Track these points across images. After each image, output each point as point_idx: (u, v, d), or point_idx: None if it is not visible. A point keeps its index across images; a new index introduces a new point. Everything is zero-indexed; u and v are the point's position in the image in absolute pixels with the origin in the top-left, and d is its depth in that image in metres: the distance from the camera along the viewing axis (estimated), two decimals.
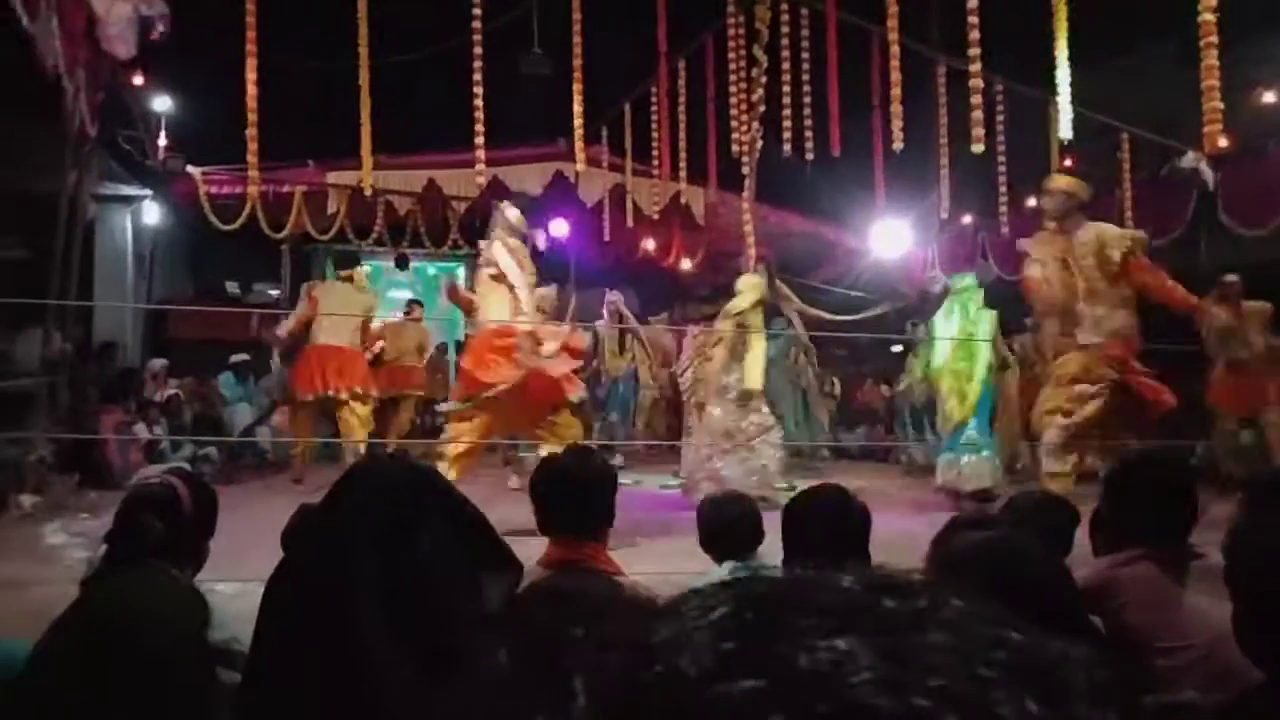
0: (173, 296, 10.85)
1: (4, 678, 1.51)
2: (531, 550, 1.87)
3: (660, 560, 3.67)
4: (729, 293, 6.98)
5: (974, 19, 5.31)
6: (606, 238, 10.13)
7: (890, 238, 8.68)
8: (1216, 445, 7.36)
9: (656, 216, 9.60)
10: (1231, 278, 7.35)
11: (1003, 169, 7.85)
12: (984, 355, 6.99)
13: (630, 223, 9.95)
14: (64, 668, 1.45)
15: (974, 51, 5.39)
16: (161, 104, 9.00)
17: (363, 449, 7.46)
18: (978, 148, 5.53)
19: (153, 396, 8.40)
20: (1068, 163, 8.46)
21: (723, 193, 9.24)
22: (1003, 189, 8.07)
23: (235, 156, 7.11)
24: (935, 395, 9.37)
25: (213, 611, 1.85)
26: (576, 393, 5.78)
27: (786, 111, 7.29)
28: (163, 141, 9.10)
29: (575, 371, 5.94)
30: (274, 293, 11.37)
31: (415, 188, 10.21)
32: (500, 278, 5.84)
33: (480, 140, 5.97)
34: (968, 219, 10.27)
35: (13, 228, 8.78)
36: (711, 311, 10.33)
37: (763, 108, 7.32)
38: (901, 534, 4.07)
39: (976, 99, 5.44)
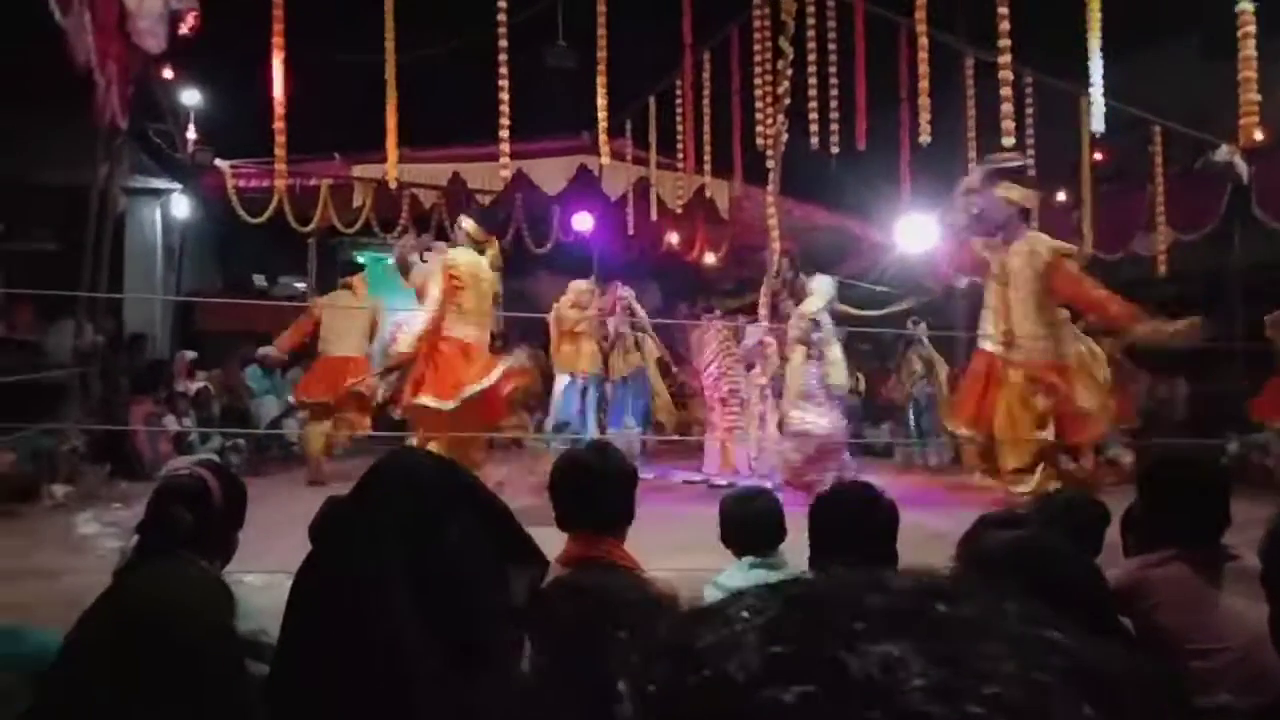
0: (201, 289, 10.96)
1: (37, 668, 1.53)
2: (544, 543, 1.87)
3: (681, 556, 3.66)
4: (754, 286, 6.98)
5: (1004, 9, 5.23)
6: (630, 231, 10.11)
7: (916, 232, 8.59)
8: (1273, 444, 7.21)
9: (680, 210, 9.57)
10: None
11: (1032, 163, 7.76)
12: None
13: (654, 216, 9.93)
14: (95, 659, 1.47)
15: (1004, 43, 5.31)
16: (190, 98, 9.09)
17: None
18: (1008, 141, 5.45)
19: (182, 388, 8.50)
20: (1098, 156, 8.35)
21: (747, 186, 9.19)
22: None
23: (263, 150, 7.16)
24: (937, 393, 9.38)
25: (239, 603, 1.86)
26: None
27: (812, 104, 7.23)
28: (192, 135, 9.20)
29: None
30: (300, 285, 11.46)
31: (440, 181, 10.24)
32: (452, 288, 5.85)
33: (504, 134, 5.98)
34: None
35: (45, 220, 8.90)
36: (735, 305, 10.30)
37: (788, 100, 7.27)
38: (931, 532, 4.04)
39: (1006, 91, 5.36)
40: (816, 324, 6.87)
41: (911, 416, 9.95)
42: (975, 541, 1.68)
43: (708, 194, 9.84)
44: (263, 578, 3.16)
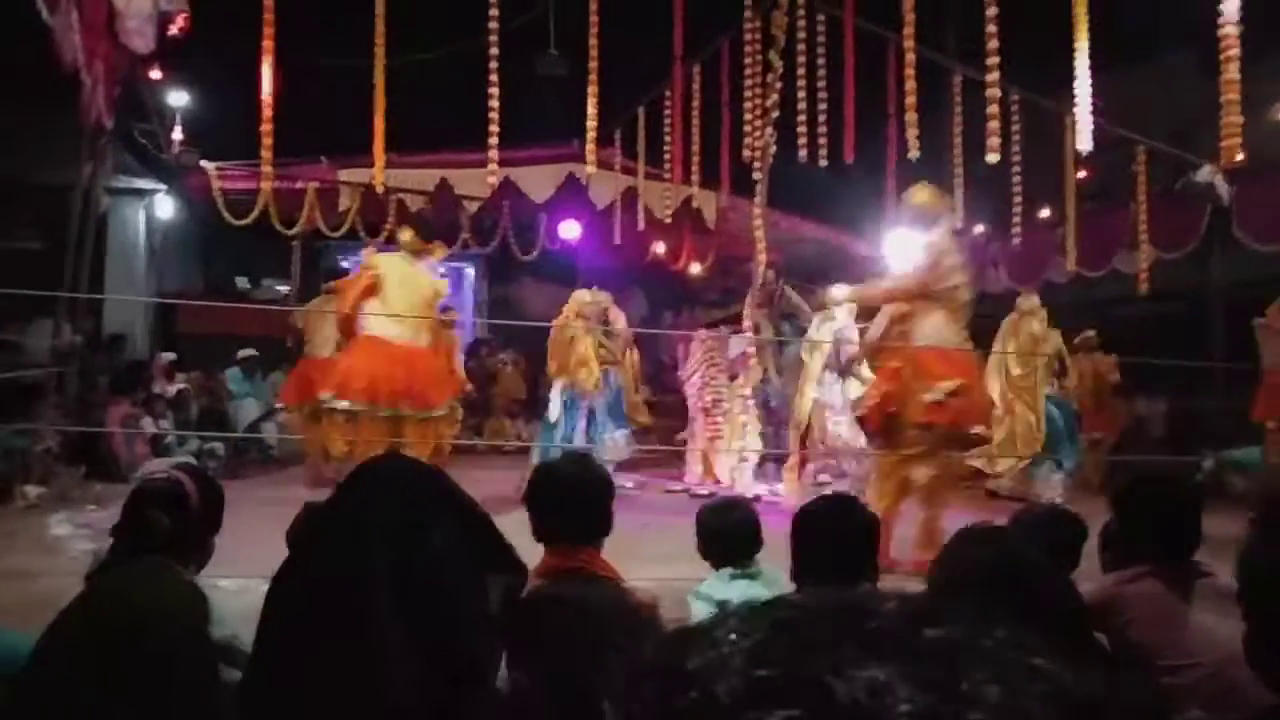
0: (182, 291, 10.89)
1: (6, 672, 1.51)
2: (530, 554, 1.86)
3: (661, 565, 3.66)
4: (739, 297, 6.99)
5: (993, 28, 5.28)
6: (617, 240, 10.13)
7: (902, 246, 8.64)
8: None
9: (668, 220, 9.59)
10: None
11: (1017, 179, 7.83)
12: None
13: (641, 226, 9.95)
14: (68, 663, 1.45)
15: (992, 61, 5.36)
16: (177, 99, 9.03)
17: None
18: (992, 157, 5.50)
19: (161, 390, 8.43)
20: (1082, 174, 8.43)
21: (734, 198, 9.22)
22: (1016, 200, 8.05)
23: (249, 152, 7.13)
24: None
25: (213, 608, 1.85)
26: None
27: (801, 118, 7.27)
28: (177, 136, 9.14)
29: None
30: (283, 289, 11.41)
31: (427, 186, 10.22)
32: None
33: (493, 140, 5.98)
34: (980, 229, 10.24)
35: (27, 218, 8.84)
36: (721, 316, 10.33)
37: (776, 113, 7.31)
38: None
39: (993, 109, 5.41)
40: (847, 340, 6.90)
41: None
42: (953, 555, 1.69)
43: (695, 204, 9.86)
44: (237, 583, 3.13)
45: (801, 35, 7.14)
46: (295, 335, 8.71)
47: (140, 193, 10.11)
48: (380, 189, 7.51)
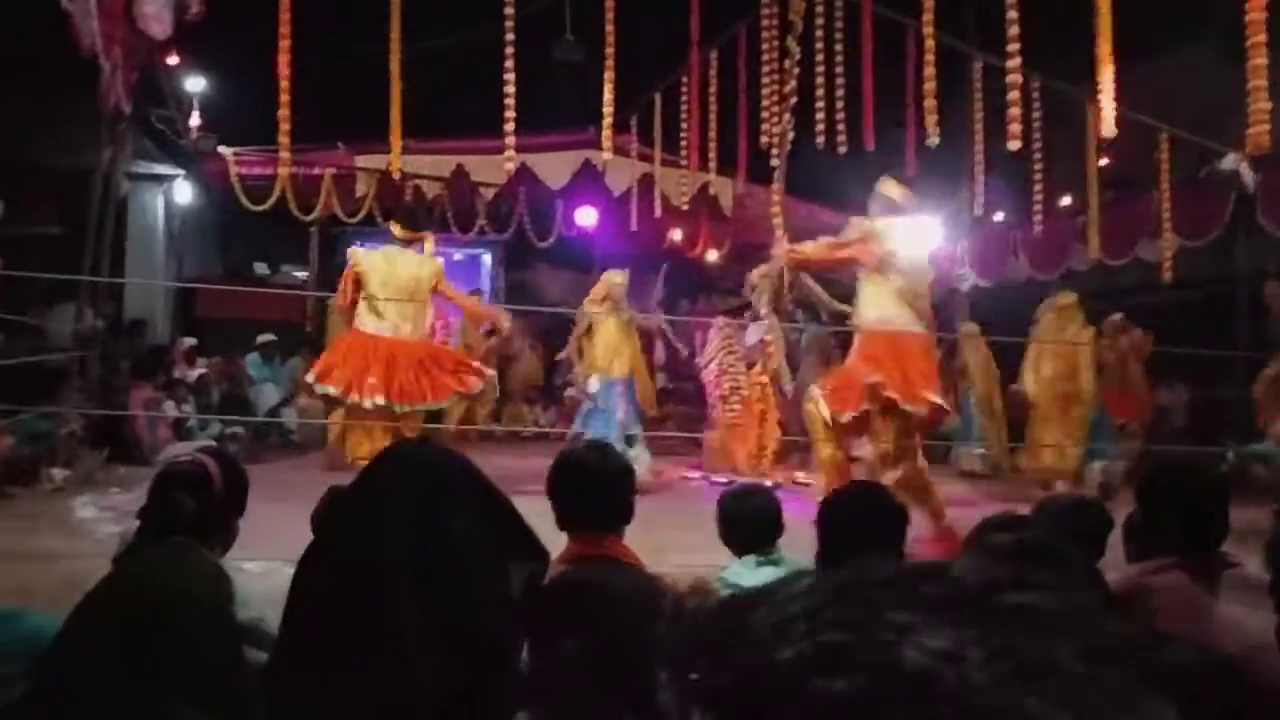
0: (201, 276, 10.96)
1: (33, 653, 1.53)
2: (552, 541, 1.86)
3: (680, 552, 3.66)
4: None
5: (1013, 13, 5.22)
6: (633, 227, 10.11)
7: (920, 234, 8.58)
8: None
9: (684, 207, 9.56)
10: None
11: (1038, 167, 7.75)
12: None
13: (658, 213, 9.92)
14: (95, 644, 1.46)
15: (1013, 47, 5.30)
16: (195, 84, 9.07)
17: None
18: (1014, 144, 5.44)
19: (182, 375, 8.50)
20: (1104, 161, 8.34)
21: (751, 184, 9.17)
22: (1037, 188, 7.97)
23: (266, 138, 7.15)
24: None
25: (238, 591, 1.86)
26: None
27: (819, 104, 7.22)
28: (195, 121, 9.18)
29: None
30: (301, 275, 11.45)
31: (443, 173, 10.23)
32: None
33: (510, 126, 5.96)
34: (999, 217, 10.15)
35: (48, 204, 8.89)
36: (738, 304, 10.30)
37: (794, 100, 7.26)
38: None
39: (1014, 95, 5.35)
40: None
41: None
42: (976, 544, 1.68)
43: (711, 191, 9.83)
44: (261, 565, 3.16)
45: (820, 21, 7.08)
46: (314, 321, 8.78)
47: (159, 178, 10.16)
48: (397, 175, 7.52)
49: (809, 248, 5.54)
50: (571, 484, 2.04)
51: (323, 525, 1.68)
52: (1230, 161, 7.37)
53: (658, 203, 9.65)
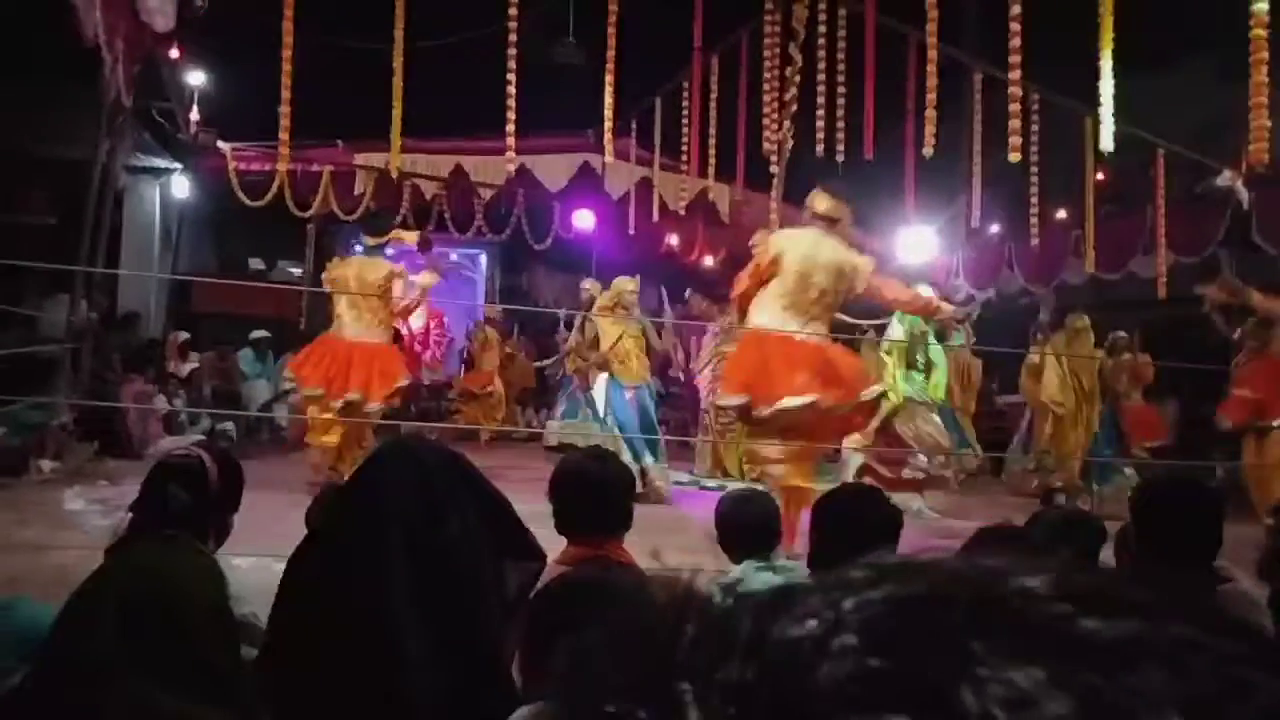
0: (197, 270, 10.93)
1: (29, 641, 1.52)
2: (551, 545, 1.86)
3: (674, 555, 3.66)
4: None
5: (1016, 26, 5.23)
6: (631, 231, 10.11)
7: (916, 244, 8.62)
8: None
9: (682, 212, 9.57)
10: None
11: (1035, 180, 7.78)
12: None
13: (656, 217, 9.93)
14: (91, 635, 1.46)
15: (1014, 60, 5.32)
16: (195, 78, 9.04)
17: None
18: (1014, 157, 5.46)
19: (174, 369, 8.47)
20: (1099, 176, 8.37)
21: (749, 191, 9.18)
22: (1034, 200, 7.99)
23: (265, 133, 7.14)
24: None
25: (230, 585, 1.85)
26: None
27: (820, 112, 7.24)
28: (195, 116, 9.16)
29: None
30: (297, 271, 11.43)
31: (442, 172, 10.22)
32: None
33: (510, 128, 5.96)
34: (995, 228, 10.18)
35: (45, 194, 8.86)
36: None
37: (795, 107, 7.28)
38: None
39: (1015, 108, 5.37)
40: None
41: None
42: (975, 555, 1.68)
43: (710, 197, 9.84)
44: (250, 560, 3.14)
45: (822, 29, 7.10)
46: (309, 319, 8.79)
47: (157, 171, 10.13)
48: (395, 174, 7.50)
49: (743, 278, 5.43)
50: (572, 490, 2.05)
51: (320, 522, 1.67)
52: (1226, 178, 7.40)
53: (656, 207, 9.65)
